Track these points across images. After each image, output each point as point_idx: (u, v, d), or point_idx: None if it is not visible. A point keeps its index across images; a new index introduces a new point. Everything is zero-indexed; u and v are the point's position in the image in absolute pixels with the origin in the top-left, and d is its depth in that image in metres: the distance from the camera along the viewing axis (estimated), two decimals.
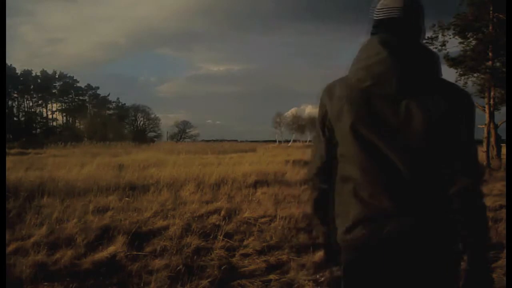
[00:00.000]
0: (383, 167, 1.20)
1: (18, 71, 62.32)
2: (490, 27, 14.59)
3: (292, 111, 75.42)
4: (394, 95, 1.19)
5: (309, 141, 67.51)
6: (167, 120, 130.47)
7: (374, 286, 1.24)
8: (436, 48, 15.28)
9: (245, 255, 4.01)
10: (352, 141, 1.23)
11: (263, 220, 5.34)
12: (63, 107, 66.72)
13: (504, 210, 5.72)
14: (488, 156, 14.93)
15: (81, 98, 68.64)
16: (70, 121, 67.06)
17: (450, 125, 1.19)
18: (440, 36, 15.25)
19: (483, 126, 15.40)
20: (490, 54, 14.63)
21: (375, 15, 1.31)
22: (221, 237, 4.38)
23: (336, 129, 1.28)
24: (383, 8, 1.28)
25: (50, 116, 66.28)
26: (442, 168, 1.21)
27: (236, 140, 65.34)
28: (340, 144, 1.28)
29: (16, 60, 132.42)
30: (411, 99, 1.19)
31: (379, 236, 1.20)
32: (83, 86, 68.45)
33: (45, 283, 3.24)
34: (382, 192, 1.20)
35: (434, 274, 1.20)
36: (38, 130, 62.15)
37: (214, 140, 62.05)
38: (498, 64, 14.48)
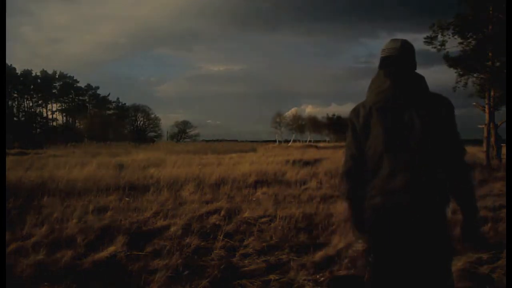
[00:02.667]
0: (397, 159, 1.78)
1: (18, 71, 62.37)
2: (490, 27, 14.57)
3: (292, 111, 75.59)
4: (400, 109, 1.79)
5: (309, 141, 67.59)
6: (167, 120, 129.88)
7: (389, 236, 1.79)
8: (435, 47, 15.28)
9: (245, 255, 4.01)
10: (376, 143, 1.81)
11: (263, 220, 5.34)
12: (63, 107, 66.74)
13: (504, 210, 5.72)
14: (488, 156, 14.91)
15: (81, 98, 68.66)
16: (70, 121, 67.06)
17: (439, 123, 1.76)
18: (439, 36, 15.23)
19: (483, 126, 15.38)
20: (490, 54, 14.61)
21: (381, 54, 1.88)
22: (221, 237, 4.38)
23: (364, 137, 1.85)
24: (386, 50, 1.87)
25: (50, 116, 66.37)
26: (437, 155, 1.76)
27: (236, 140, 65.40)
28: (367, 146, 1.84)
29: (16, 60, 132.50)
30: (411, 110, 1.77)
31: (389, 204, 1.78)
32: (83, 86, 68.56)
33: (45, 283, 3.24)
34: (395, 175, 1.77)
35: (430, 231, 1.75)
36: (38, 130, 62.13)
37: (214, 140, 62.14)
38: (498, 64, 14.45)
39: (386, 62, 1.84)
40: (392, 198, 1.77)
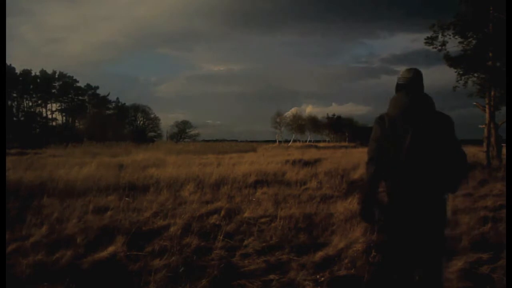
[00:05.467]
0: (412, 161, 2.27)
1: (18, 71, 62.21)
2: (490, 27, 14.56)
3: (292, 111, 75.49)
4: (413, 122, 2.34)
5: (309, 141, 67.56)
6: (167, 120, 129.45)
7: (401, 227, 2.34)
8: (436, 48, 15.26)
9: (245, 255, 4.00)
10: (396, 148, 2.31)
11: (263, 220, 5.34)
12: (63, 107, 66.63)
13: (504, 210, 5.71)
14: (488, 156, 14.89)
15: (81, 98, 68.46)
16: (70, 121, 66.98)
17: (443, 134, 2.33)
18: (440, 36, 15.20)
19: (484, 126, 15.36)
20: (490, 54, 14.59)
21: (397, 81, 2.55)
22: (221, 237, 4.37)
23: (386, 142, 2.36)
24: (401, 78, 2.53)
25: (50, 116, 66.21)
26: (442, 159, 2.29)
27: (236, 140, 65.36)
28: (388, 150, 2.34)
29: (16, 60, 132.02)
30: (422, 123, 2.33)
31: (405, 200, 2.29)
32: (83, 86, 68.37)
33: (45, 283, 3.24)
34: (410, 175, 2.28)
35: (429, 226, 2.30)
36: (38, 130, 62.02)
37: (214, 140, 62.18)
38: (498, 64, 14.43)
39: (402, 86, 2.51)
40: (402, 192, 2.28)
